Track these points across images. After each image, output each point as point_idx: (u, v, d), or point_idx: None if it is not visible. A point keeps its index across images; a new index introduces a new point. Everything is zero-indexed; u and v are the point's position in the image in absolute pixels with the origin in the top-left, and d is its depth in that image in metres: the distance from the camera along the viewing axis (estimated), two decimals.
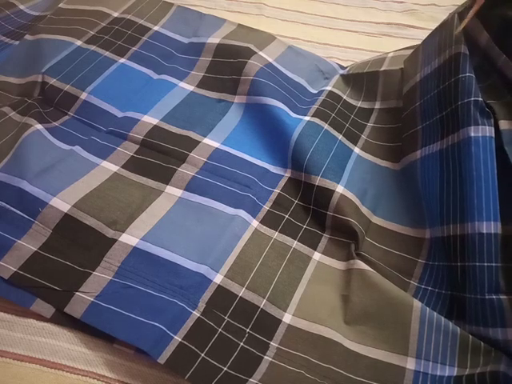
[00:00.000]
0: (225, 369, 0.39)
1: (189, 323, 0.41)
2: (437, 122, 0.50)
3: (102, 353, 0.41)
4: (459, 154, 0.46)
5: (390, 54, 0.67)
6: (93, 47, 0.68)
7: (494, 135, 0.45)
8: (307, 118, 0.59)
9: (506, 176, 0.43)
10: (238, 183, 0.54)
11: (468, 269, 0.43)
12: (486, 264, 0.41)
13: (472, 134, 0.45)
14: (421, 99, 0.54)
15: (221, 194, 0.52)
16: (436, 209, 0.48)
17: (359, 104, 0.64)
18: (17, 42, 0.71)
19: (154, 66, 0.68)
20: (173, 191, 0.52)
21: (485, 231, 0.42)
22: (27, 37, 0.70)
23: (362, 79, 0.66)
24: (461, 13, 0.53)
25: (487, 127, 0.45)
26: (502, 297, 0.40)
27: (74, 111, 0.61)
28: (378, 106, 0.63)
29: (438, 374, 0.39)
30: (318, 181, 0.53)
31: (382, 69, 0.64)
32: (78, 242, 0.46)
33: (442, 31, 0.54)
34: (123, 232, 0.47)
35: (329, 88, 0.65)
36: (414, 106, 0.56)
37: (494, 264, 0.41)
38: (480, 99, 0.46)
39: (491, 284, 0.41)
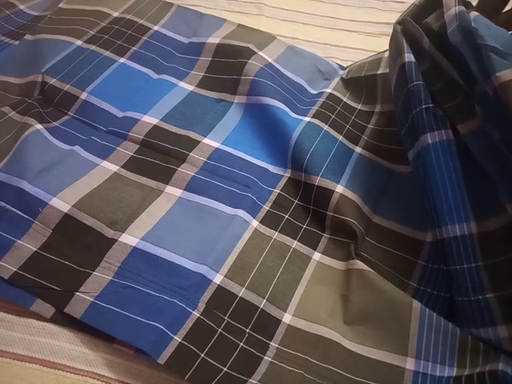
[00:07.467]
0: (225, 369, 0.39)
1: (188, 323, 0.41)
2: (407, 131, 0.51)
3: (102, 353, 0.41)
4: (422, 162, 0.46)
5: (386, 54, 0.66)
6: (93, 47, 0.68)
7: (452, 137, 0.44)
8: (307, 119, 0.59)
9: (477, 174, 0.43)
10: (238, 183, 0.54)
11: (451, 272, 0.43)
12: (465, 266, 0.41)
13: (430, 141, 0.45)
14: (396, 108, 0.55)
15: (221, 194, 0.52)
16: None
17: (359, 107, 0.64)
18: (17, 42, 0.71)
19: (153, 65, 0.68)
20: (173, 191, 0.52)
21: (458, 233, 0.42)
22: (27, 37, 0.70)
23: (360, 83, 0.66)
24: (401, 22, 0.53)
25: (443, 131, 0.45)
26: (487, 295, 0.39)
27: (73, 111, 0.61)
28: (378, 109, 0.63)
29: (438, 374, 0.39)
30: (318, 181, 0.53)
31: (380, 72, 0.64)
32: (78, 242, 0.46)
33: (392, 44, 0.54)
34: (123, 232, 0.47)
35: (329, 90, 0.65)
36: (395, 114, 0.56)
37: (473, 264, 0.41)
38: (431, 105, 0.46)
39: (474, 285, 0.40)
